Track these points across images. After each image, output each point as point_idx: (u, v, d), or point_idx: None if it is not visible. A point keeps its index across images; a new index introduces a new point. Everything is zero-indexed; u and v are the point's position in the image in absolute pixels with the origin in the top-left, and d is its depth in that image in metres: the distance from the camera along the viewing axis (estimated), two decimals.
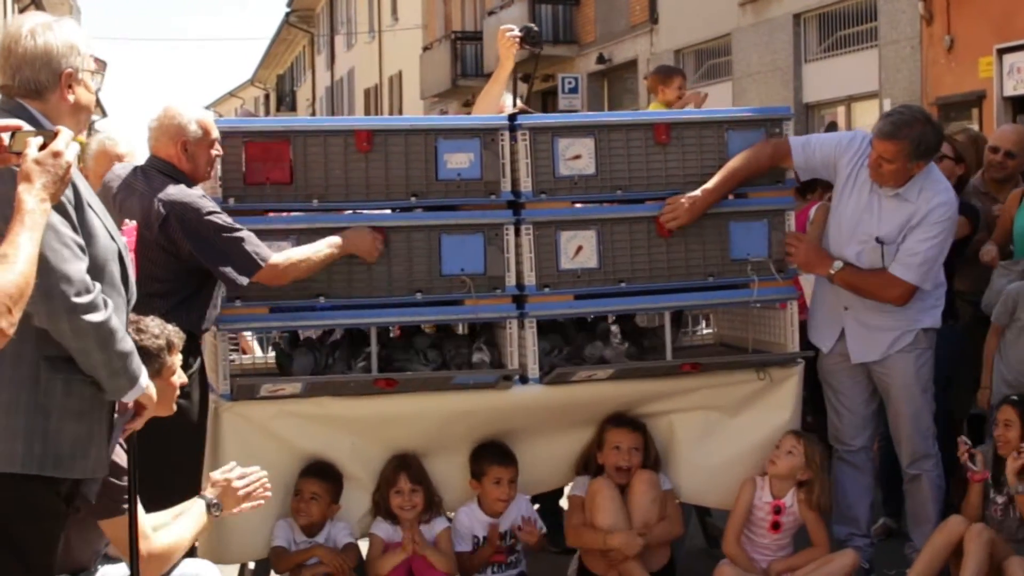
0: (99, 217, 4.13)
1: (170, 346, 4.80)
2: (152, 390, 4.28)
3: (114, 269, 4.16)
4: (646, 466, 6.64)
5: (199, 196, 5.87)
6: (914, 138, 6.57)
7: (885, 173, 6.66)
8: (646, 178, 6.58)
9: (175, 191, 5.83)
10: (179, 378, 4.85)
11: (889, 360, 6.85)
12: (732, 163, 6.61)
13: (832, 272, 6.71)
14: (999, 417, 6.68)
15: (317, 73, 62.50)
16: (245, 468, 5.12)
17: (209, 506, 4.99)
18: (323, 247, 6.05)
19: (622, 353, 6.65)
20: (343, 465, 6.38)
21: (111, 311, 3.98)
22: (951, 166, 7.63)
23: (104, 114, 49.45)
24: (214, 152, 6.05)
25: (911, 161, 6.61)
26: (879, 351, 6.85)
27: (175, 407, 4.85)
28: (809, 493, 6.66)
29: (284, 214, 6.31)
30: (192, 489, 5.33)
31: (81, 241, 3.95)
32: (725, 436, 6.81)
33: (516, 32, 7.30)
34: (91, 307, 3.90)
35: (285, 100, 70.72)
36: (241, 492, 5.04)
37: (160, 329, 4.80)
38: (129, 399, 4.19)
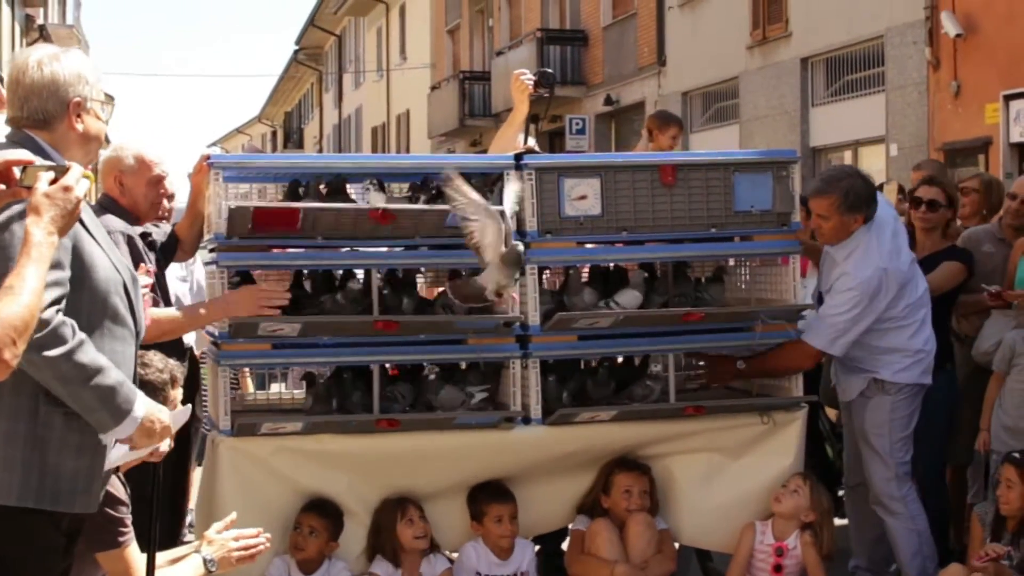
0: (103, 248, 4.11)
1: (173, 380, 4.80)
2: (158, 420, 4.14)
3: (117, 302, 4.12)
4: (649, 510, 6.61)
5: None
6: (843, 189, 6.69)
7: (826, 232, 6.80)
8: (652, 219, 6.56)
9: None
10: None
11: (853, 404, 7.00)
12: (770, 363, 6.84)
13: (740, 367, 6.80)
14: (1001, 475, 6.66)
15: (325, 111, 62.65)
16: (242, 529, 5.08)
17: (205, 561, 4.96)
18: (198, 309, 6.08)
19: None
20: (341, 501, 6.33)
21: (77, 345, 3.86)
22: (945, 213, 7.65)
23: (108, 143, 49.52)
24: (162, 190, 6.01)
25: (845, 214, 6.70)
26: (851, 393, 6.97)
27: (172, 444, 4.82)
28: (815, 536, 6.63)
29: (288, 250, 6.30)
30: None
31: (59, 274, 3.88)
32: (727, 479, 6.78)
33: (530, 76, 7.30)
34: (46, 343, 3.79)
35: (292, 137, 70.87)
36: (235, 556, 5.01)
37: (163, 363, 4.80)
38: (120, 435, 4.06)
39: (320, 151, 60.30)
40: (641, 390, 6.65)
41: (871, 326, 6.75)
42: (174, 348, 5.78)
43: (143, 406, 4.07)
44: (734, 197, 6.64)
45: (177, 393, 4.81)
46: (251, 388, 8.02)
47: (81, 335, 3.89)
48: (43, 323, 3.76)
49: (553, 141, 32.57)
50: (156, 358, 4.78)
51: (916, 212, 7.77)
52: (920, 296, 6.88)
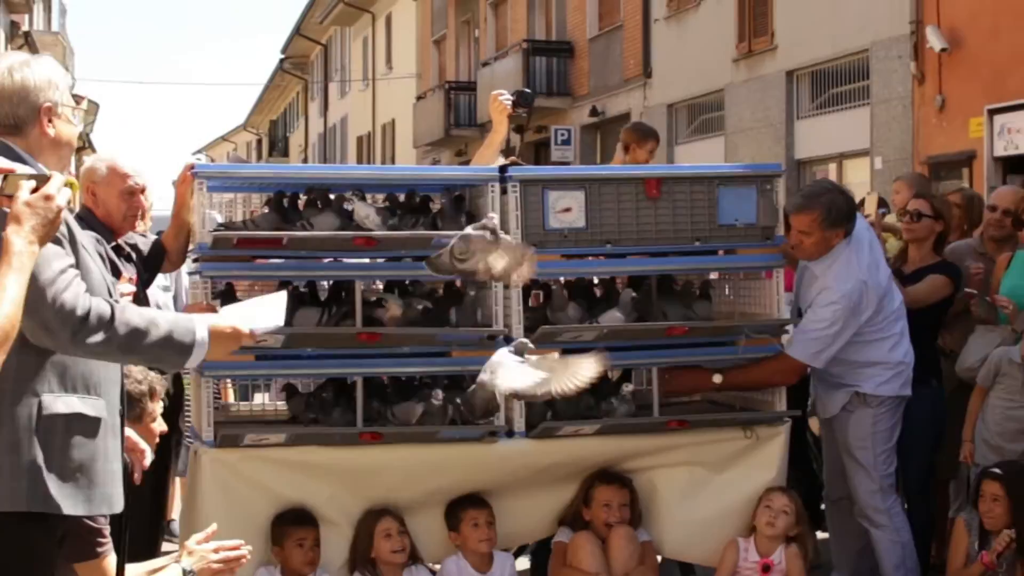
0: (90, 255, 4.12)
1: (152, 392, 4.78)
2: (227, 327, 4.16)
3: None
4: (631, 522, 6.61)
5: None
6: (825, 204, 6.71)
7: (807, 248, 6.81)
8: (636, 232, 6.57)
9: None
10: (159, 425, 4.83)
11: (835, 419, 7.01)
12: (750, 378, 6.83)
13: (716, 382, 6.76)
14: (984, 490, 6.69)
15: (310, 120, 62.62)
16: (223, 541, 5.04)
17: (184, 572, 4.93)
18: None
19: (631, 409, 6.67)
20: (323, 513, 6.30)
21: (120, 312, 3.92)
22: (931, 224, 7.65)
23: (94, 151, 49.51)
24: (135, 201, 5.97)
25: (826, 229, 6.72)
26: (833, 408, 6.99)
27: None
28: (801, 547, 6.66)
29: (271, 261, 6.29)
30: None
31: (68, 261, 3.92)
32: (709, 493, 6.78)
33: (508, 97, 7.26)
34: (89, 331, 3.86)
35: (278, 146, 70.80)
36: (215, 567, 4.97)
37: (143, 375, 4.79)
38: (197, 360, 4.11)
39: (305, 160, 60.28)
40: (606, 406, 6.63)
41: (851, 339, 6.76)
42: None
43: (203, 327, 4.09)
44: (718, 210, 6.65)
45: (157, 405, 4.81)
46: (232, 398, 7.99)
47: (112, 301, 3.96)
48: (83, 314, 3.83)
49: (539, 152, 32.60)
50: (136, 369, 4.76)
51: (903, 223, 7.81)
52: (896, 308, 6.92)
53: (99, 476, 4.11)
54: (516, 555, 7.75)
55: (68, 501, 4.01)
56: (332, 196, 6.32)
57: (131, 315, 3.95)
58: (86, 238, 4.19)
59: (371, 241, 6.11)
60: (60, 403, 3.99)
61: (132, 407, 4.59)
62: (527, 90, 7.57)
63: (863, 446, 6.91)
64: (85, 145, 54.20)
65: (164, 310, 6.14)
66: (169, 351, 4.01)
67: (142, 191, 6.14)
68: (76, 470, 4.03)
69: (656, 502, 6.78)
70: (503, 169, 6.48)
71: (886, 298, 6.86)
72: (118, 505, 4.26)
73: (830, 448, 7.24)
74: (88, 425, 4.05)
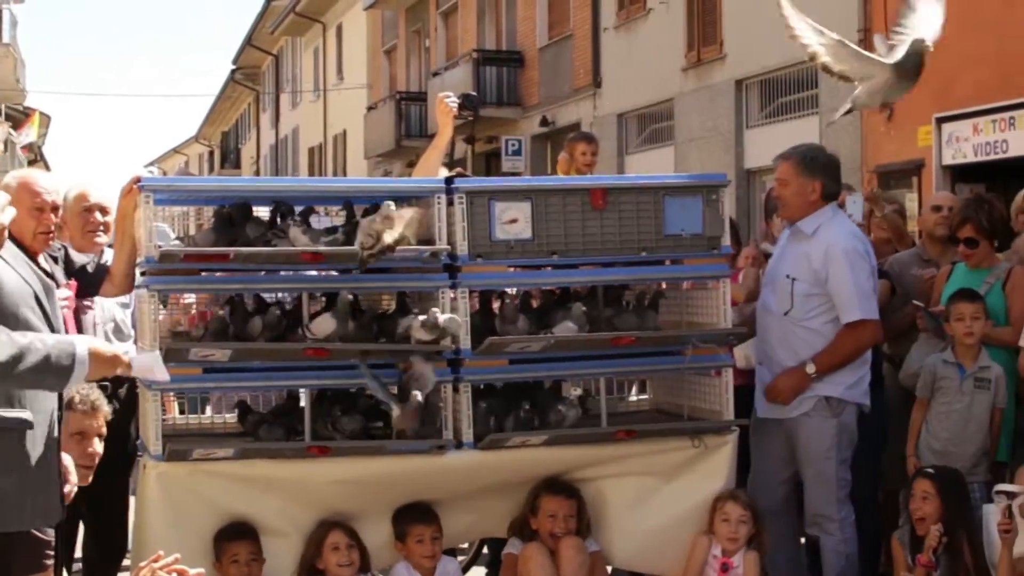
0: (10, 264, 4.12)
1: (94, 409, 4.75)
2: (105, 350, 4.21)
3: (28, 313, 4.16)
4: (579, 532, 6.62)
5: None
6: (802, 152, 7.00)
7: (787, 199, 6.96)
8: (582, 243, 6.58)
9: None
10: (98, 446, 4.79)
11: (794, 425, 6.99)
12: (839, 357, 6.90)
13: (810, 373, 6.83)
14: (915, 489, 6.75)
15: (262, 131, 62.43)
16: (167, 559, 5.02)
17: None
18: None
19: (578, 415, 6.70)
20: (272, 525, 6.30)
21: None
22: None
23: (48, 168, 49.22)
24: (45, 218, 5.94)
25: (803, 176, 6.88)
26: (792, 411, 6.97)
27: (90, 478, 4.80)
28: (759, 547, 6.71)
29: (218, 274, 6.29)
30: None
31: None
32: (659, 502, 6.80)
33: (454, 99, 7.32)
34: None
35: (229, 157, 70.55)
36: None
37: (87, 392, 4.76)
38: (79, 381, 4.14)
39: (257, 171, 60.10)
40: (555, 416, 6.66)
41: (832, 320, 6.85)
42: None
43: (83, 347, 4.11)
44: (664, 221, 6.67)
45: (97, 423, 4.76)
46: (176, 412, 7.95)
47: None
48: None
49: (489, 162, 32.62)
50: (81, 387, 4.75)
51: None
52: None
53: (31, 490, 4.10)
54: (471, 564, 7.81)
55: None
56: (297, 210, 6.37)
57: (3, 342, 3.94)
58: (7, 249, 4.20)
59: (318, 256, 6.11)
60: None
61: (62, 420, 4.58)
62: (473, 93, 7.64)
63: (827, 456, 6.91)
64: (37, 158, 53.86)
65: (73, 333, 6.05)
66: (47, 374, 4.02)
67: (53, 209, 6.04)
68: (3, 487, 4.01)
69: (605, 511, 6.81)
70: (449, 180, 6.49)
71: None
72: (55, 517, 4.25)
73: (768, 455, 7.19)
74: (15, 440, 4.04)
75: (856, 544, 7.03)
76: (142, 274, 6.36)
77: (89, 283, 6.36)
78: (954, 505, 6.69)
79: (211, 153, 76.34)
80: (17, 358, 3.93)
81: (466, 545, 7.93)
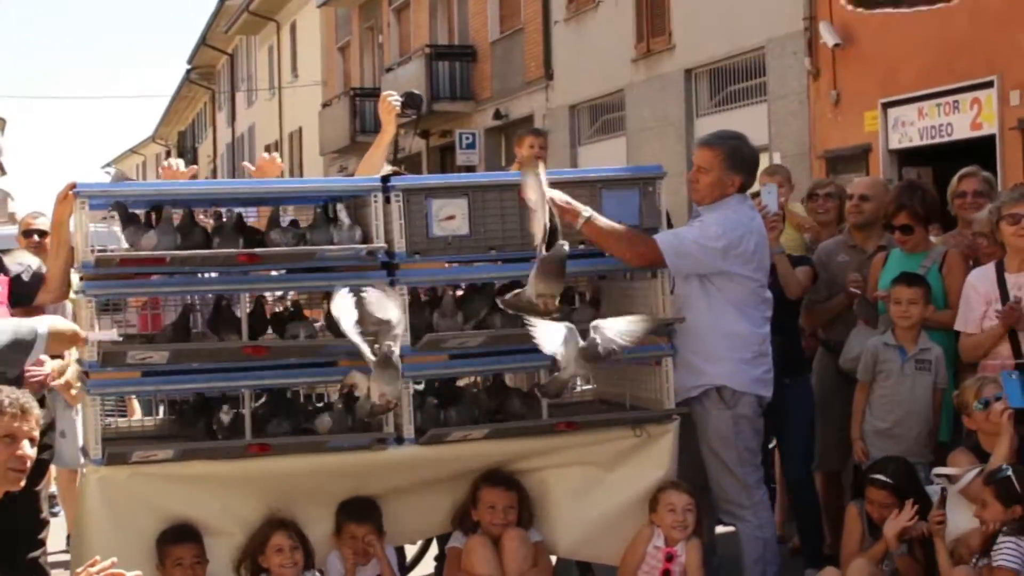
0: None
1: (23, 412, 4.75)
2: (64, 328, 4.41)
3: None
4: (521, 523, 6.68)
5: None
6: (731, 146, 6.89)
7: (702, 186, 6.90)
8: (520, 238, 6.61)
9: None
10: (29, 450, 4.79)
11: (695, 412, 6.92)
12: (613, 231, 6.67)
13: (580, 221, 6.59)
14: (872, 498, 6.79)
15: (218, 130, 62.22)
16: (104, 563, 5.03)
17: None
18: None
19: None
20: (215, 525, 6.32)
21: None
22: None
23: (3, 172, 48.88)
24: None
25: (726, 170, 6.84)
26: (684, 391, 6.88)
27: (23, 483, 4.82)
28: (699, 536, 6.74)
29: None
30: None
31: None
32: (602, 491, 6.84)
33: (397, 98, 7.37)
34: None
35: (186, 157, 70.23)
36: None
37: (13, 395, 4.76)
38: (32, 359, 4.44)
39: (214, 170, 59.88)
40: (511, 405, 6.74)
41: (724, 302, 6.80)
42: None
43: (43, 326, 4.18)
44: (602, 213, 6.69)
45: (28, 426, 4.76)
46: (139, 414, 7.98)
47: None
48: None
49: (444, 156, 32.63)
50: (6, 390, 4.75)
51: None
52: (767, 296, 7.01)
53: None
54: (418, 559, 7.85)
55: None
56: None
57: None
58: None
59: (254, 257, 6.15)
60: None
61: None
62: (416, 92, 7.67)
63: (726, 447, 6.89)
64: None
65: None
66: (14, 351, 4.10)
67: None
68: None
69: (549, 502, 6.85)
70: (386, 179, 6.53)
71: (762, 273, 6.92)
72: None
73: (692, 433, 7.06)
74: None
75: (773, 528, 7.12)
76: (80, 279, 6.37)
77: (24, 292, 6.37)
78: (915, 499, 6.68)
79: (168, 153, 75.97)
80: None
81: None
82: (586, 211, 6.59)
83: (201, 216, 6.53)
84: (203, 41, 55.19)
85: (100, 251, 5.99)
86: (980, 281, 7.27)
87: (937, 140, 17.15)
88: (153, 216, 6.39)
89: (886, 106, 17.95)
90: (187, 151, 70.40)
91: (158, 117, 74.15)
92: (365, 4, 38.85)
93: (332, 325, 6.35)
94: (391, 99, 7.38)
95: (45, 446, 6.56)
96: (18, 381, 5.68)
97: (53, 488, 9.88)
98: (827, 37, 18.69)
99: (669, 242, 6.71)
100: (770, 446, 8.29)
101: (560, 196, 6.51)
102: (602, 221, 6.64)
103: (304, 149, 45.31)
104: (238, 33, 52.07)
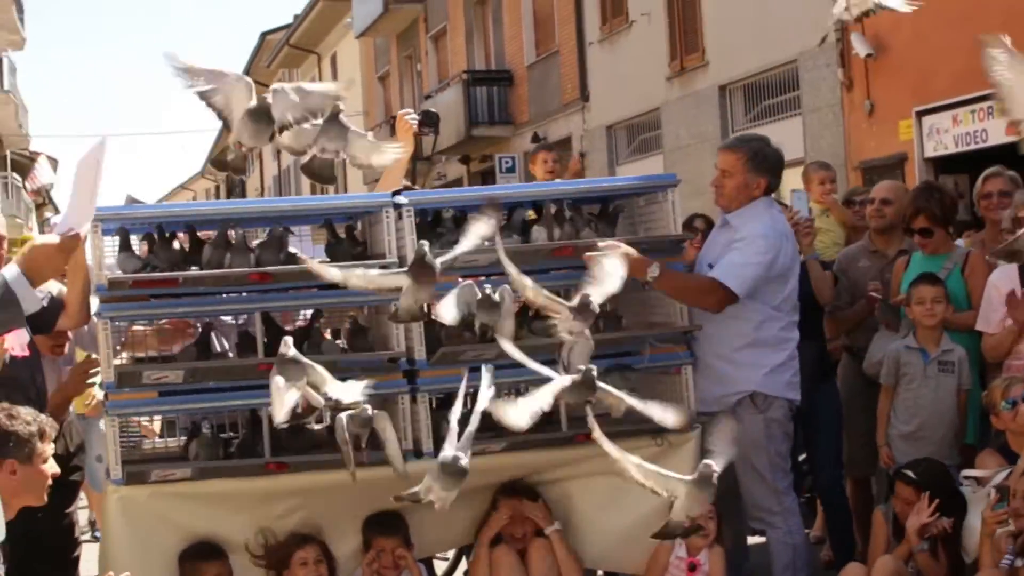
0: None
1: (42, 434, 4.83)
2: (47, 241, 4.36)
3: None
4: (541, 533, 6.67)
5: None
6: (753, 148, 6.84)
7: (727, 191, 6.85)
8: (535, 249, 6.63)
9: None
10: (51, 467, 4.87)
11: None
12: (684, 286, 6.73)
13: (650, 278, 6.53)
14: (899, 492, 6.77)
15: (265, 162, 62.53)
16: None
17: None
18: None
19: None
20: (239, 543, 6.34)
21: None
22: None
23: (57, 211, 49.34)
24: None
25: (749, 173, 6.80)
26: (716, 405, 6.83)
27: (46, 498, 4.87)
28: (722, 545, 6.75)
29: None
30: None
31: None
32: (626, 501, 6.79)
33: (414, 116, 7.42)
34: None
35: (235, 191, 70.59)
36: None
37: (32, 416, 4.84)
38: (30, 304, 4.66)
39: None
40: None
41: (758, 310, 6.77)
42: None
43: (9, 270, 4.42)
44: None
45: (47, 447, 4.84)
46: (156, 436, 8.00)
47: None
48: None
49: (485, 181, 32.66)
50: (26, 411, 4.83)
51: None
52: (795, 302, 6.96)
53: None
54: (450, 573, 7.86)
55: None
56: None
57: None
58: None
59: (266, 276, 6.18)
60: None
61: (21, 447, 4.65)
62: (432, 110, 7.73)
63: (757, 451, 6.85)
64: (45, 201, 53.95)
65: None
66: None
67: None
68: None
69: (574, 513, 6.87)
70: (396, 195, 6.55)
71: (793, 278, 6.89)
72: None
73: None
74: None
75: (803, 534, 7.08)
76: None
77: (44, 321, 6.41)
78: (944, 500, 6.65)
79: (217, 188, 76.38)
80: None
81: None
82: (654, 269, 6.50)
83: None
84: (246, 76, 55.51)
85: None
86: (1002, 281, 7.24)
87: (972, 147, 17.02)
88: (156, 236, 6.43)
89: (920, 114, 17.86)
90: (235, 185, 70.74)
91: (206, 152, 74.52)
92: (403, 33, 39.00)
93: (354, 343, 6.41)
94: (408, 117, 7.44)
95: (75, 468, 6.62)
96: (40, 403, 5.75)
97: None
98: (859, 48, 18.62)
99: (734, 278, 6.62)
100: (800, 458, 8.27)
101: (631, 252, 6.40)
102: (670, 278, 6.62)
103: (348, 176, 45.47)
104: (280, 67, 52.33)
